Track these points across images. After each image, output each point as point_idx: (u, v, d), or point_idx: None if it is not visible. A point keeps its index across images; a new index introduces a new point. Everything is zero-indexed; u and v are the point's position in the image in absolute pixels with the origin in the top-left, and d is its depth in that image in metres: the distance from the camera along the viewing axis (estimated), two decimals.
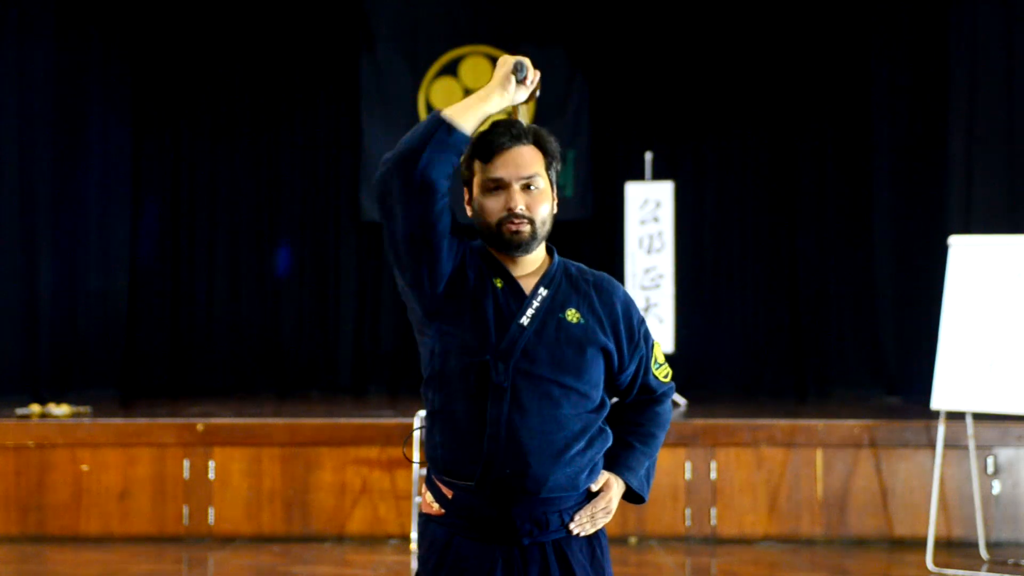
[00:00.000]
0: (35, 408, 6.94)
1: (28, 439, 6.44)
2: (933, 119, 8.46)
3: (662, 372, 2.58)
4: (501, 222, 2.35)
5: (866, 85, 8.95)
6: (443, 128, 2.25)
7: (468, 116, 2.29)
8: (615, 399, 2.55)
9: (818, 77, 9.18)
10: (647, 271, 8.01)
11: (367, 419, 6.74)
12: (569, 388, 2.35)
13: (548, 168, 2.42)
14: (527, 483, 2.29)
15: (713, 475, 6.42)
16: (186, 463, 6.41)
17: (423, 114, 9.33)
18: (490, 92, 2.32)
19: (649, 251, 8.02)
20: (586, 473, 2.37)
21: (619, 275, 8.20)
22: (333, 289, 9.48)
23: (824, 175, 9.23)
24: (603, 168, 9.31)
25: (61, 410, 6.91)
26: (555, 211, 2.43)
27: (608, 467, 2.45)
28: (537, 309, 2.37)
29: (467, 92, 9.36)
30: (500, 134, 2.41)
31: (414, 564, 5.93)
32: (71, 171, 8.84)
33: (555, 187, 2.44)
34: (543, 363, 2.33)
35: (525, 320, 2.35)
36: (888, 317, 8.79)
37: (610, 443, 2.45)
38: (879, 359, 8.87)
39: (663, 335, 7.90)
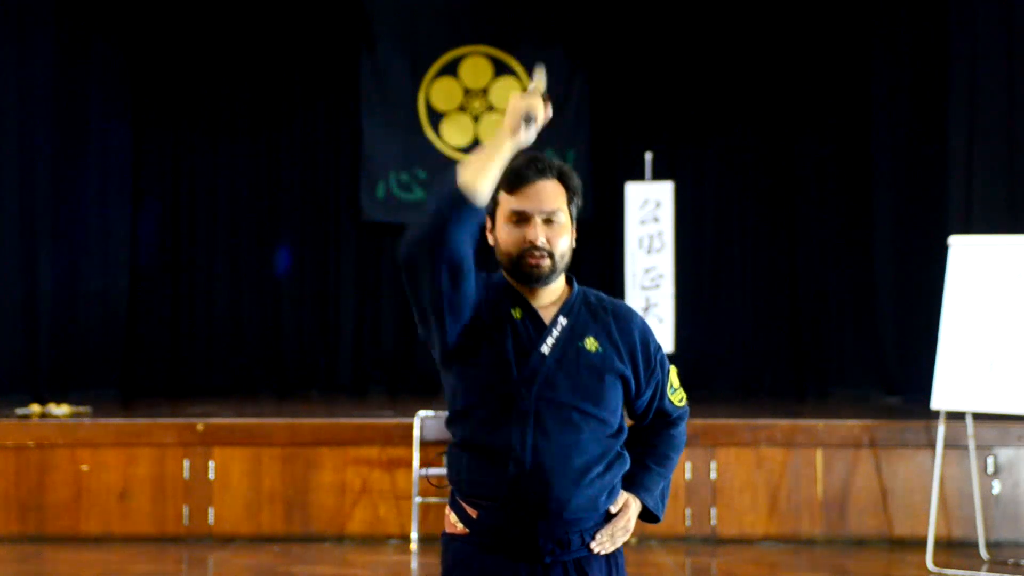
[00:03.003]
0: (35, 408, 6.94)
1: (28, 439, 6.44)
2: (933, 119, 8.45)
3: (677, 397, 2.68)
4: (522, 254, 2.43)
5: (866, 85, 8.95)
6: (465, 203, 2.27)
7: (486, 178, 2.31)
8: (631, 423, 2.63)
9: (818, 77, 9.18)
10: (647, 271, 8.01)
11: (367, 419, 6.74)
12: (588, 414, 2.43)
13: (570, 203, 2.49)
14: (550, 505, 2.38)
15: (713, 475, 6.43)
16: (186, 463, 6.41)
17: (423, 114, 9.34)
18: (502, 143, 2.34)
19: (649, 251, 8.02)
20: (605, 495, 2.46)
21: (619, 275, 8.21)
22: (333, 289, 9.48)
23: (824, 175, 9.23)
24: (603, 168, 9.32)
25: (61, 410, 6.91)
26: (574, 244, 2.50)
27: (625, 487, 2.54)
28: (557, 338, 2.45)
29: (467, 92, 9.37)
30: (526, 168, 2.46)
31: (414, 564, 5.94)
32: (71, 171, 8.84)
33: (575, 221, 2.51)
34: (564, 390, 2.41)
35: (546, 349, 2.43)
36: (888, 317, 8.78)
37: (628, 467, 2.53)
38: (879, 359, 8.86)
39: (663, 335, 7.90)
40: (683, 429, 2.73)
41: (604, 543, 2.47)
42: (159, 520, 6.41)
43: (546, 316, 2.48)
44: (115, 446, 6.45)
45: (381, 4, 9.37)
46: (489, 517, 2.42)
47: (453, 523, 2.50)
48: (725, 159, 9.41)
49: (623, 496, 2.52)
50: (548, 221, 2.44)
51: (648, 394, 2.58)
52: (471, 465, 2.44)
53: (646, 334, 2.57)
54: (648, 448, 2.63)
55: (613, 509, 2.49)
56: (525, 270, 2.43)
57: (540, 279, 2.45)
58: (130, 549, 6.23)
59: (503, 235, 2.46)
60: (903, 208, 8.70)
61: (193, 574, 6.01)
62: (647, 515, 2.59)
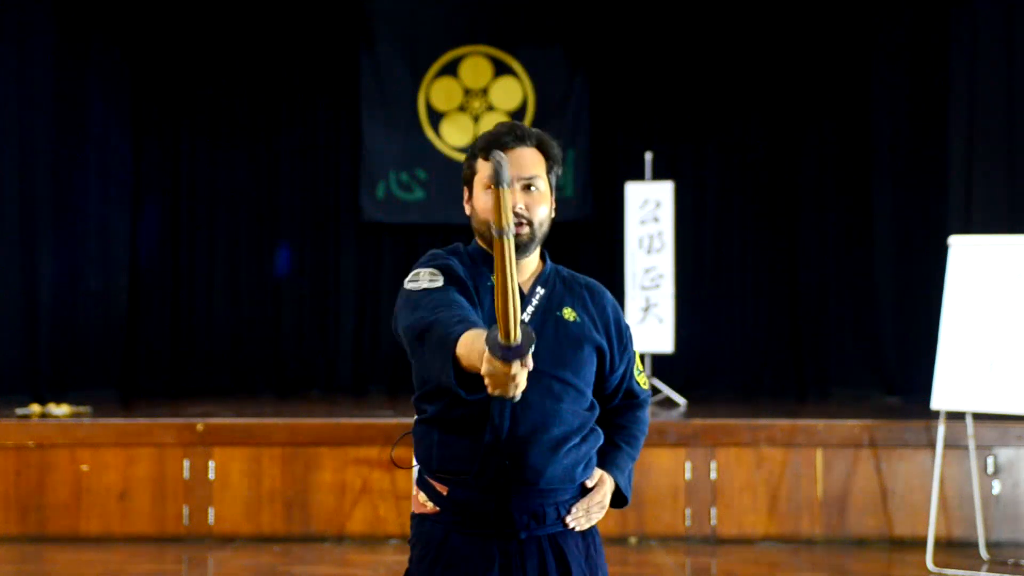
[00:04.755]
0: (35, 408, 6.94)
1: (28, 439, 6.44)
2: (933, 119, 8.46)
3: (642, 379, 2.66)
4: None
5: (866, 85, 8.95)
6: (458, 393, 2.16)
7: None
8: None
9: (818, 77, 9.18)
10: (647, 271, 8.01)
11: (367, 419, 6.74)
12: (568, 384, 2.40)
13: (549, 171, 2.46)
14: (526, 473, 2.33)
15: (713, 475, 6.43)
16: (186, 463, 6.41)
17: (423, 114, 9.34)
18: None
19: (649, 251, 8.02)
20: (582, 467, 2.42)
21: (619, 275, 8.21)
22: (333, 289, 9.48)
23: (824, 175, 9.23)
24: (603, 168, 9.31)
25: (61, 410, 6.91)
26: (553, 214, 2.47)
27: (598, 465, 2.51)
28: (536, 307, 2.43)
29: (467, 92, 9.37)
30: (504, 134, 2.43)
31: None
32: (71, 171, 8.84)
33: (554, 191, 2.48)
34: (544, 359, 2.34)
35: (526, 317, 2.40)
36: (888, 317, 8.79)
37: (602, 441, 2.51)
38: (879, 359, 8.87)
39: (663, 335, 7.91)
40: (647, 413, 2.70)
41: (579, 518, 2.42)
42: (159, 520, 6.41)
43: (523, 287, 2.45)
44: (115, 446, 6.45)
45: (381, 4, 9.37)
46: (460, 492, 2.36)
47: (422, 503, 2.43)
48: (725, 159, 9.41)
49: (598, 472, 2.48)
50: (527, 188, 2.40)
51: (621, 370, 2.56)
52: (442, 439, 2.37)
53: (617, 311, 2.56)
54: (618, 429, 2.61)
55: (589, 483, 2.45)
56: None
57: (519, 248, 2.37)
58: (130, 549, 6.23)
59: (480, 202, 2.41)
60: (903, 208, 8.70)
61: (193, 574, 6.01)
62: (617, 497, 2.55)
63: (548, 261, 2.53)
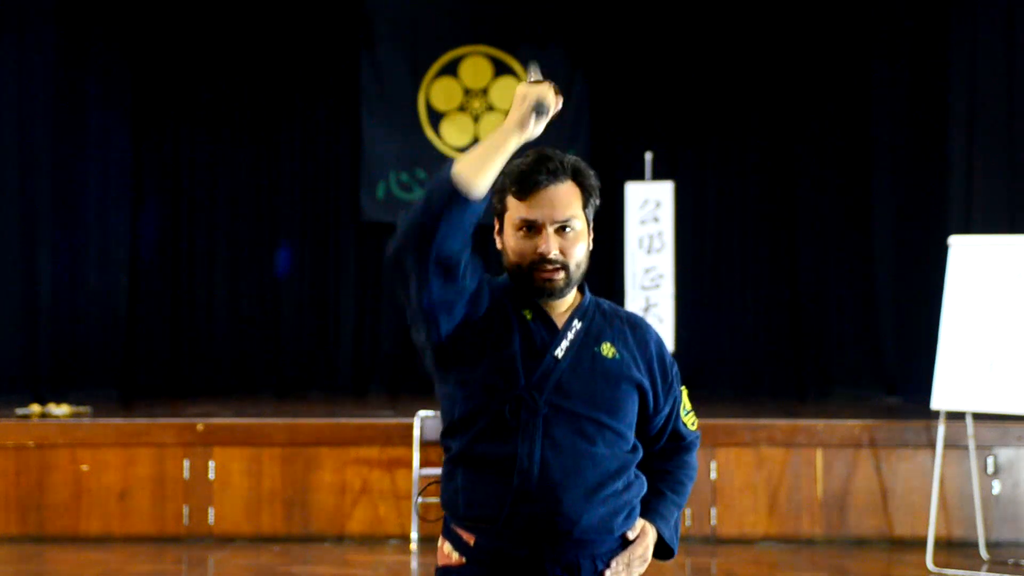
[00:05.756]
0: (35, 408, 6.94)
1: (28, 439, 6.44)
2: (933, 119, 8.46)
3: (690, 419, 2.45)
4: (533, 267, 2.20)
5: (866, 85, 8.95)
6: (458, 197, 2.03)
7: (485, 173, 2.06)
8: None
9: (818, 77, 9.18)
10: (647, 271, 8.01)
11: (367, 419, 6.74)
12: (604, 425, 2.22)
13: (586, 206, 2.25)
14: (559, 522, 2.14)
15: (713, 475, 6.42)
16: (186, 463, 6.41)
17: (423, 114, 9.34)
18: (507, 136, 2.09)
19: (649, 251, 8.02)
20: (622, 517, 2.22)
21: (619, 275, 8.21)
22: (333, 289, 9.48)
23: (824, 175, 9.23)
24: (603, 168, 9.23)
25: (61, 410, 6.91)
26: (591, 247, 2.28)
27: (640, 514, 2.31)
28: (571, 342, 2.23)
29: (467, 92, 9.37)
30: (536, 171, 2.20)
31: (414, 564, 5.94)
32: (71, 171, 8.84)
33: (591, 225, 2.29)
34: (577, 398, 2.19)
35: (560, 352, 2.21)
36: (888, 317, 8.79)
37: (645, 490, 2.31)
38: (879, 359, 8.87)
39: (663, 335, 7.87)
40: (695, 456, 2.49)
41: (619, 572, 2.21)
42: (159, 520, 6.41)
43: (558, 320, 2.26)
44: (115, 446, 6.45)
45: (381, 4, 9.37)
46: (489, 541, 2.18)
47: (447, 554, 2.25)
48: (725, 159, 9.41)
49: (640, 522, 2.27)
50: (561, 229, 2.20)
51: (666, 410, 2.36)
52: (468, 481, 2.20)
53: (661, 347, 2.37)
54: (662, 474, 2.39)
55: (631, 534, 2.24)
56: (537, 285, 2.21)
57: (553, 294, 2.22)
58: (130, 549, 6.23)
59: (511, 243, 2.23)
60: (903, 208, 8.70)
61: (193, 574, 6.01)
62: (661, 548, 2.35)
63: (587, 293, 2.32)
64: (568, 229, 2.21)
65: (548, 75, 2.20)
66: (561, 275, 2.21)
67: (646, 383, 2.30)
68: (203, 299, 9.38)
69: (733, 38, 9.27)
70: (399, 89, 9.33)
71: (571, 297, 2.29)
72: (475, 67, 9.39)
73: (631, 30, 9.30)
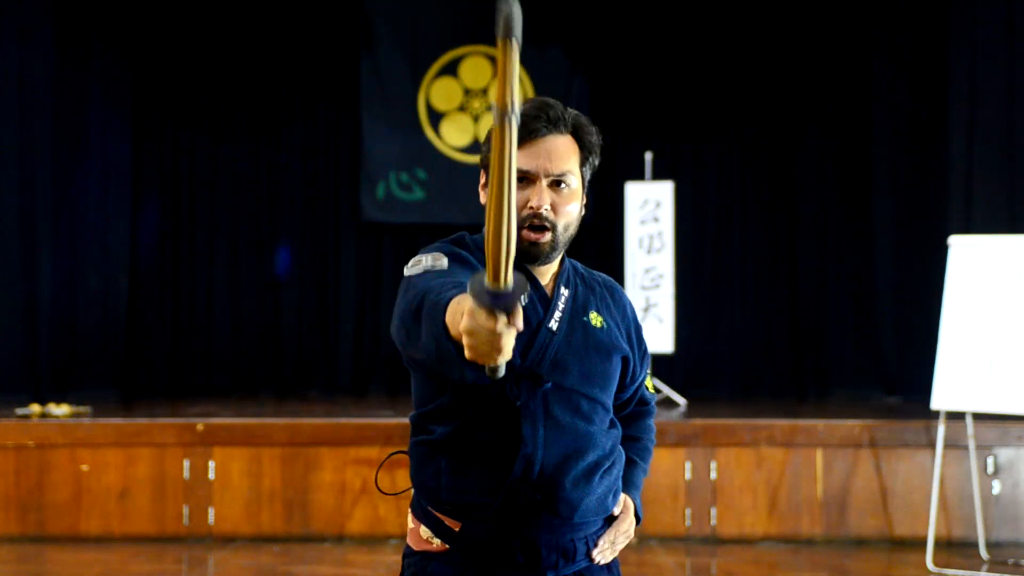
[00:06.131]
0: (35, 408, 6.94)
1: (28, 439, 6.44)
2: (933, 119, 8.46)
3: (650, 383, 2.35)
4: (521, 224, 2.03)
5: (866, 85, 8.95)
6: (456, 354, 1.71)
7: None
8: None
9: (818, 77, 9.18)
10: (647, 271, 8.01)
11: (367, 419, 6.74)
12: (596, 401, 2.09)
13: (583, 164, 2.12)
14: (560, 508, 2.02)
15: (713, 475, 6.42)
16: (186, 463, 6.41)
17: (423, 114, 9.34)
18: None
19: (649, 251, 8.02)
20: (612, 495, 2.13)
21: (619, 275, 8.20)
22: (333, 289, 9.48)
23: (824, 175, 9.23)
24: (603, 168, 9.18)
25: (61, 410, 6.91)
26: (583, 212, 2.15)
27: None
28: (563, 312, 2.07)
29: (467, 92, 9.37)
30: (534, 117, 2.04)
31: None
32: (71, 171, 8.84)
33: (586, 188, 2.15)
34: (573, 374, 2.05)
35: (554, 324, 2.05)
36: (888, 317, 8.79)
37: (623, 462, 2.21)
38: (879, 359, 8.87)
39: (663, 335, 7.90)
40: (653, 420, 2.40)
41: (605, 550, 2.13)
42: (159, 520, 6.41)
43: (547, 290, 2.09)
44: (115, 446, 6.44)
45: (381, 4, 9.37)
46: (477, 527, 2.03)
47: (425, 538, 2.09)
48: (725, 159, 9.41)
49: (622, 498, 2.20)
50: (556, 184, 2.06)
51: (642, 376, 2.25)
52: (454, 467, 2.03)
53: (634, 311, 2.24)
54: (630, 441, 2.27)
55: (616, 511, 2.17)
56: (520, 245, 1.99)
57: (537, 258, 2.05)
58: (130, 549, 6.23)
59: None
60: (903, 208, 8.71)
61: (193, 574, 6.01)
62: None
63: (565, 257, 2.17)
64: (563, 185, 2.07)
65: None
66: (548, 237, 2.05)
67: (629, 353, 2.17)
68: (203, 299, 9.38)
69: (733, 38, 9.27)
70: (399, 89, 9.33)
71: (555, 263, 2.13)
72: (475, 67, 9.40)
73: (631, 30, 9.30)
